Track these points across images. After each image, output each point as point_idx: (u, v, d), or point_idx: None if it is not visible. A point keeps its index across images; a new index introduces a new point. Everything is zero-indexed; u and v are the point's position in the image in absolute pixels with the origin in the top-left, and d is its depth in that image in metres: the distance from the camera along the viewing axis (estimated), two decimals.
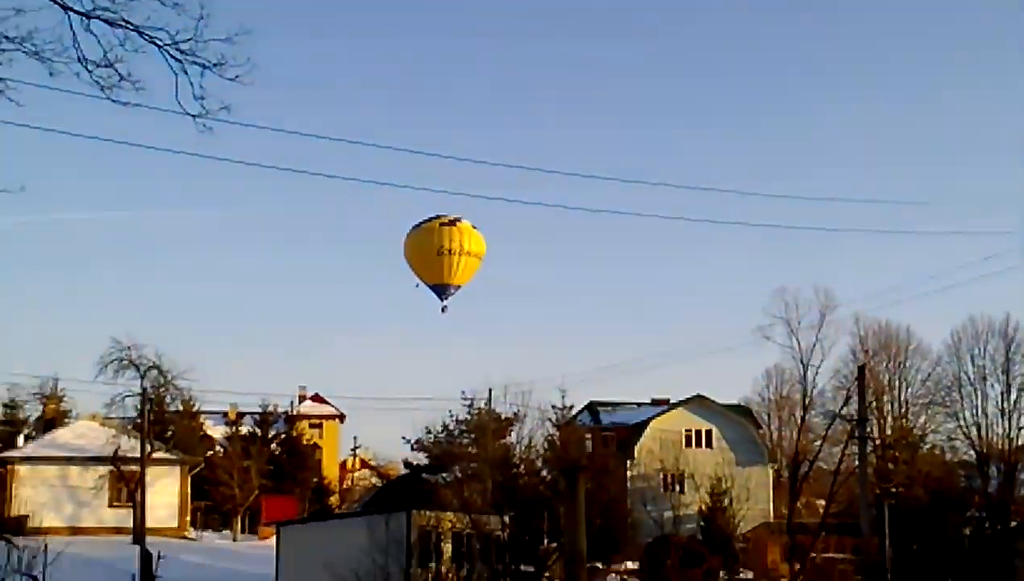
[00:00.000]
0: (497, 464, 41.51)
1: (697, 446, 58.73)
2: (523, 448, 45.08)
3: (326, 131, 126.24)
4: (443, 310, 44.25)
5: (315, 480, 72.06)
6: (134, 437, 52.26)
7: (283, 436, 72.02)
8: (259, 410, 71.38)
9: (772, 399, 63.25)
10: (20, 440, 58.83)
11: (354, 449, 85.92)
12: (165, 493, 54.00)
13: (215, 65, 10.93)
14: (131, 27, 10.57)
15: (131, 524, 50.39)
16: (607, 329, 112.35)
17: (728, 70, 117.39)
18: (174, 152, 24.20)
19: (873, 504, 45.26)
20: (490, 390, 48.68)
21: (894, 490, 53.71)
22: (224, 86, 11.18)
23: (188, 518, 57.14)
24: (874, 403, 53.23)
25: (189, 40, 10.78)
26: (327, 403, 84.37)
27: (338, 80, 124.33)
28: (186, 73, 11.00)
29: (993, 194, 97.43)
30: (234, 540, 58.92)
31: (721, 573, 46.58)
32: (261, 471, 63.10)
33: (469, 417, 51.13)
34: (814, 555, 49.02)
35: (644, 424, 59.63)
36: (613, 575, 45.55)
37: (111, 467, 52.65)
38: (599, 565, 42.52)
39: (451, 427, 52.22)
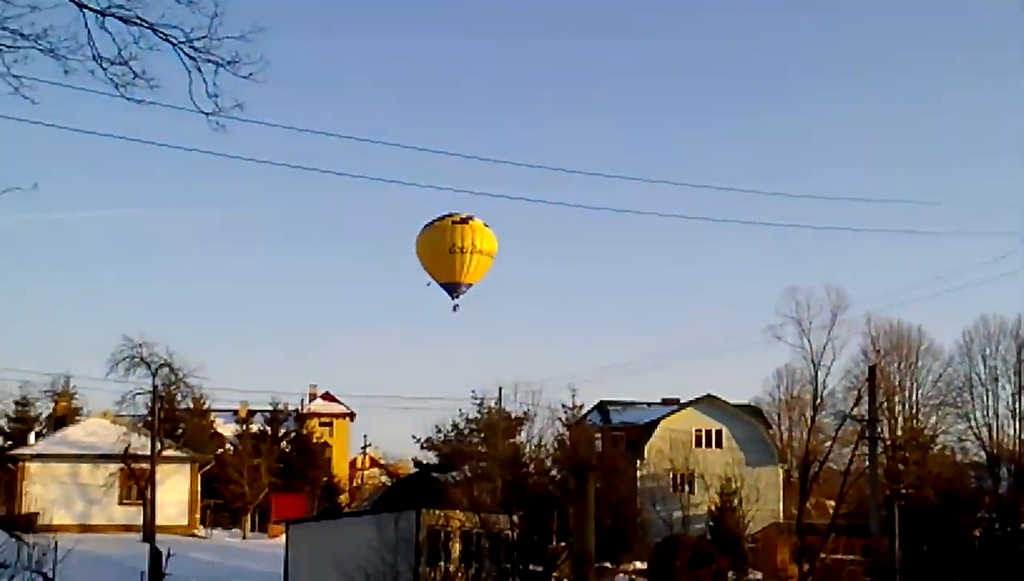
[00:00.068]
0: (507, 463, 41.48)
1: (707, 446, 58.66)
2: (533, 447, 45.03)
3: (335, 128, 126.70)
4: (455, 309, 44.29)
5: (325, 478, 72.13)
6: (145, 435, 52.40)
7: (293, 434, 72.14)
8: (269, 408, 71.57)
9: (782, 399, 63.32)
10: (31, 438, 59.00)
11: (364, 448, 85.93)
12: (175, 491, 54.17)
13: (229, 63, 10.96)
14: (146, 25, 10.60)
15: (141, 522, 50.50)
16: (618, 328, 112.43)
17: (732, 70, 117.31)
18: (186, 149, 24.27)
19: (883, 505, 45.10)
20: (500, 389, 48.72)
21: (904, 491, 53.60)
22: (236, 84, 11.22)
23: (198, 516, 57.29)
24: (885, 404, 53.15)
25: (203, 38, 10.81)
26: (337, 402, 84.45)
27: (347, 78, 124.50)
28: (200, 71, 11.02)
29: (1005, 194, 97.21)
30: (243, 538, 59.04)
31: (730, 574, 46.46)
32: (271, 469, 63.19)
33: (479, 416, 51.13)
34: (823, 556, 48.93)
35: (654, 424, 59.59)
36: (622, 575, 45.53)
37: (121, 465, 52.78)
38: (608, 565, 42.53)
39: (461, 426, 52.23)
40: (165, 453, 52.90)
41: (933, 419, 59.18)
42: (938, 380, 58.83)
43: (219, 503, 62.95)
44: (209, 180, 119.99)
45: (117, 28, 10.61)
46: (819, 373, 55.99)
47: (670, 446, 56.14)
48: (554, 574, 36.48)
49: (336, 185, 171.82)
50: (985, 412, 57.26)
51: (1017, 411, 56.48)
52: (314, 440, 73.50)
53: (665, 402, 63.47)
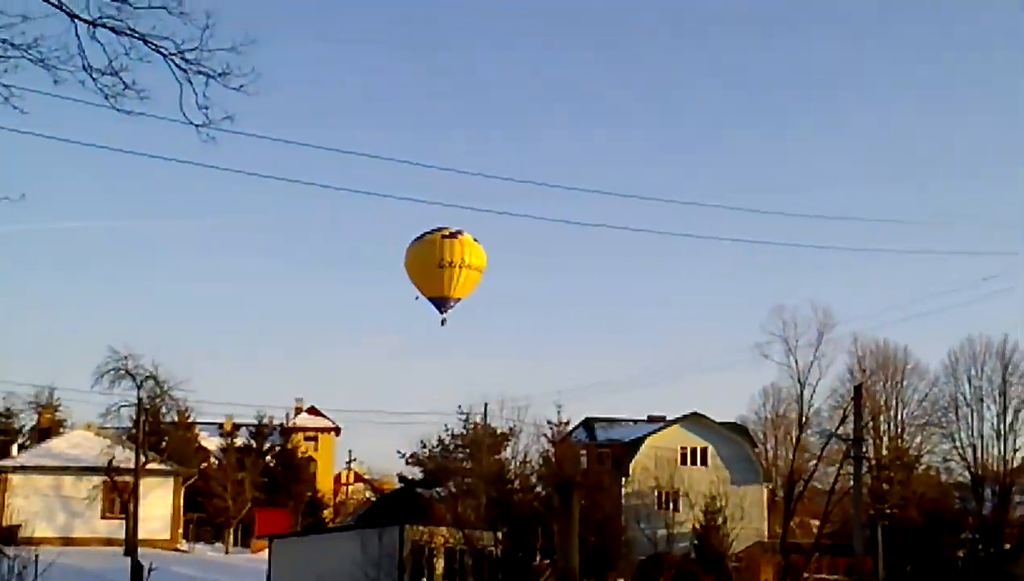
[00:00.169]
0: (492, 479, 41.39)
1: (692, 464, 58.62)
2: (518, 464, 44.99)
3: (325, 141, 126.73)
4: (442, 323, 44.20)
5: (309, 493, 71.95)
6: (128, 448, 52.19)
7: (278, 449, 71.96)
8: (254, 422, 71.36)
9: (768, 417, 63.23)
10: (14, 449, 58.68)
11: (349, 462, 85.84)
12: (158, 504, 53.90)
13: (220, 75, 10.97)
14: (137, 36, 10.61)
15: (123, 535, 50.23)
16: (603, 345, 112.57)
17: (721, 87, 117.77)
18: (177, 161, 24.17)
19: (867, 525, 45.06)
20: (486, 405, 48.57)
21: (889, 511, 53.63)
22: (227, 95, 11.21)
23: (181, 530, 56.98)
24: (870, 423, 53.24)
25: (194, 49, 10.83)
26: (323, 416, 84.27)
27: (338, 90, 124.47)
28: (191, 82, 11.03)
29: (993, 215, 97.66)
30: (226, 552, 58.76)
31: None
32: (255, 483, 62.96)
33: (464, 432, 50.98)
34: (807, 575, 48.98)
35: (640, 441, 59.56)
36: None
37: (105, 477, 52.53)
38: None
39: (446, 441, 52.07)
40: (149, 466, 52.67)
41: (918, 439, 59.30)
42: (923, 400, 58.97)
43: (202, 517, 62.67)
44: (197, 192, 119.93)
45: (108, 39, 10.63)
46: (805, 392, 56.25)
47: (655, 463, 56.07)
48: None
49: (324, 198, 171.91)
50: (970, 432, 57.41)
51: (1002, 432, 56.61)
52: (299, 455, 73.32)
53: (651, 419, 63.46)
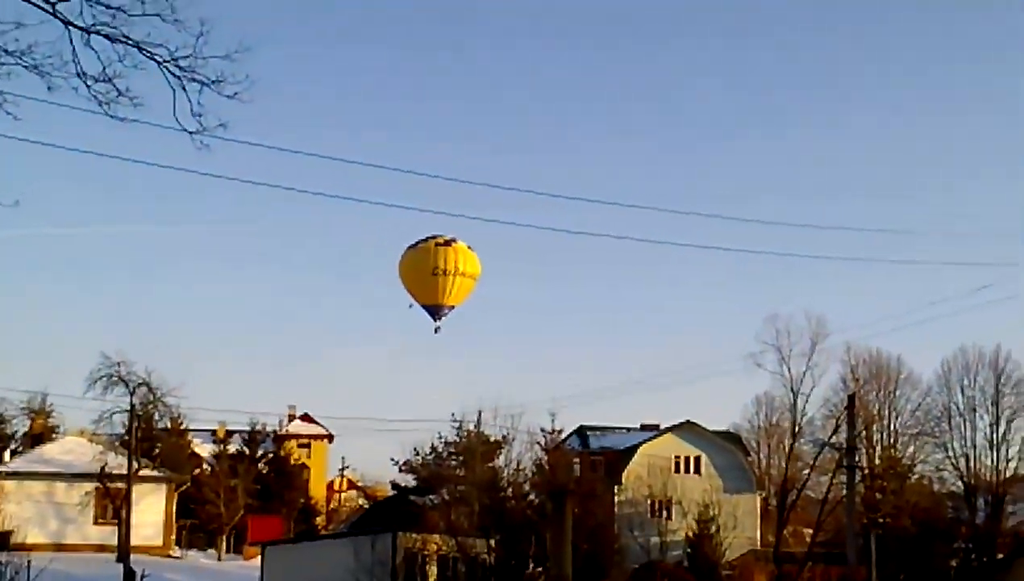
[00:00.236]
0: (485, 487, 41.40)
1: (686, 472, 58.58)
2: (511, 471, 45.04)
3: (319, 148, 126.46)
4: (436, 330, 44.21)
5: (302, 500, 71.80)
6: (121, 454, 52.14)
7: (271, 455, 71.85)
8: (247, 429, 71.25)
9: (762, 426, 63.20)
10: (7, 455, 58.52)
11: (342, 470, 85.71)
12: (151, 511, 53.83)
13: (214, 82, 10.99)
14: (131, 43, 10.63)
15: (116, 542, 50.12)
16: (597, 353, 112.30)
17: (720, 92, 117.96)
18: (173, 169, 24.20)
19: (860, 534, 45.19)
20: (479, 412, 48.60)
21: (882, 520, 53.68)
22: (220, 102, 11.24)
23: (173, 536, 56.88)
24: (863, 432, 53.24)
25: (188, 57, 10.85)
26: (316, 423, 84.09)
27: (332, 95, 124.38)
28: (185, 90, 11.06)
29: (986, 225, 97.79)
30: (219, 559, 58.66)
31: None
32: (248, 490, 62.89)
33: (458, 439, 51.06)
34: None
35: (633, 449, 59.53)
36: None
37: (97, 484, 52.44)
38: None
39: (439, 449, 52.15)
40: (141, 473, 52.61)
41: (911, 448, 59.30)
42: (916, 410, 58.99)
43: (195, 524, 62.56)
44: (191, 198, 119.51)
45: (102, 46, 10.66)
46: (798, 401, 56.22)
47: (648, 472, 56.06)
48: None
49: (318, 205, 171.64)
50: (963, 442, 57.43)
51: (995, 441, 56.65)
52: (292, 462, 73.17)
53: (644, 427, 63.44)
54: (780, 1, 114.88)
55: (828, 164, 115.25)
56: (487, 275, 45.64)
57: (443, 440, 52.04)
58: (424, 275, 43.03)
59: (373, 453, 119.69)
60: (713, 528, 51.22)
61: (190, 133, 11.41)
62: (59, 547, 49.76)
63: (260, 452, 70.83)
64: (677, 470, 58.30)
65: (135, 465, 51.31)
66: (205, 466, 67.75)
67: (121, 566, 41.84)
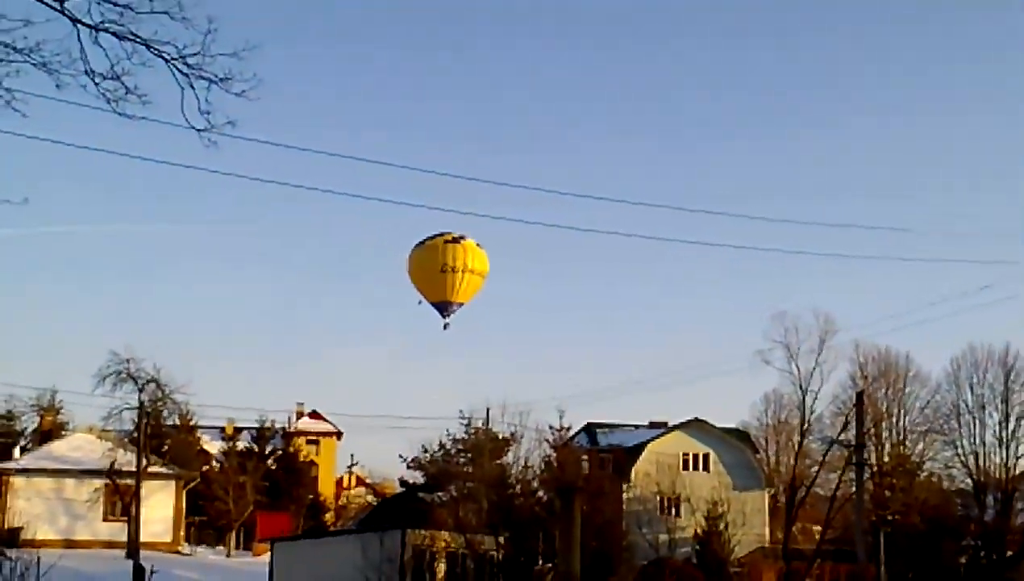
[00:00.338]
0: (493, 484, 41.42)
1: (694, 469, 58.53)
2: (519, 468, 45.02)
3: (325, 146, 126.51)
4: (445, 327, 44.18)
5: (311, 497, 71.95)
6: (130, 451, 52.21)
7: (280, 452, 71.98)
8: (256, 426, 71.37)
9: (770, 424, 63.17)
10: (16, 452, 58.71)
11: (350, 466, 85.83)
12: (160, 507, 53.93)
13: (222, 80, 10.99)
14: (139, 40, 10.62)
15: (125, 538, 50.25)
16: (606, 350, 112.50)
17: (725, 88, 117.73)
18: (182, 166, 24.16)
19: (869, 531, 45.15)
20: (488, 409, 48.57)
21: (891, 517, 53.59)
22: (228, 100, 11.23)
23: (182, 533, 57.02)
24: (872, 429, 53.17)
25: (196, 54, 10.84)
26: (324, 420, 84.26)
27: (338, 93, 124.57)
28: (192, 87, 11.05)
29: (995, 223, 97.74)
30: (228, 556, 58.78)
31: None
32: (257, 487, 62.97)
33: (466, 436, 51.01)
34: None
35: (641, 446, 59.49)
36: None
37: (106, 480, 52.56)
38: None
39: (448, 446, 52.10)
40: (150, 469, 52.69)
41: (920, 446, 59.21)
42: (925, 407, 58.91)
43: (204, 520, 62.70)
44: (198, 195, 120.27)
45: (110, 43, 10.65)
46: (807, 398, 56.19)
47: (657, 469, 56.04)
48: None
49: (325, 202, 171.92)
50: (972, 439, 57.35)
51: (1004, 439, 56.56)
52: (300, 458, 73.31)
53: (652, 425, 63.35)
54: (780, 1, 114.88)
55: (828, 164, 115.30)
56: (496, 273, 45.56)
57: (451, 437, 51.98)
58: (433, 272, 43.00)
59: (381, 450, 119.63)
60: (722, 525, 51.16)
61: (198, 131, 11.42)
62: (69, 543, 49.86)
63: (269, 449, 70.99)
64: (685, 467, 58.27)
65: (144, 462, 51.39)
66: (214, 463, 67.90)
67: (130, 562, 41.84)
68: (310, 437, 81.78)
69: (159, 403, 56.12)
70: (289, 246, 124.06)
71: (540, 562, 37.77)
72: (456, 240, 43.26)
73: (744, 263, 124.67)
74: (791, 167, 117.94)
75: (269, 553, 40.43)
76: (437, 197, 58.07)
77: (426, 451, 52.65)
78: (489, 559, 36.74)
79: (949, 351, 62.74)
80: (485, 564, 36.73)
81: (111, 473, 51.83)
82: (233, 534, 61.84)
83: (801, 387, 56.07)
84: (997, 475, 56.34)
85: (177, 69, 10.91)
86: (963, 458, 57.57)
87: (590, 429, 62.70)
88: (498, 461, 46.11)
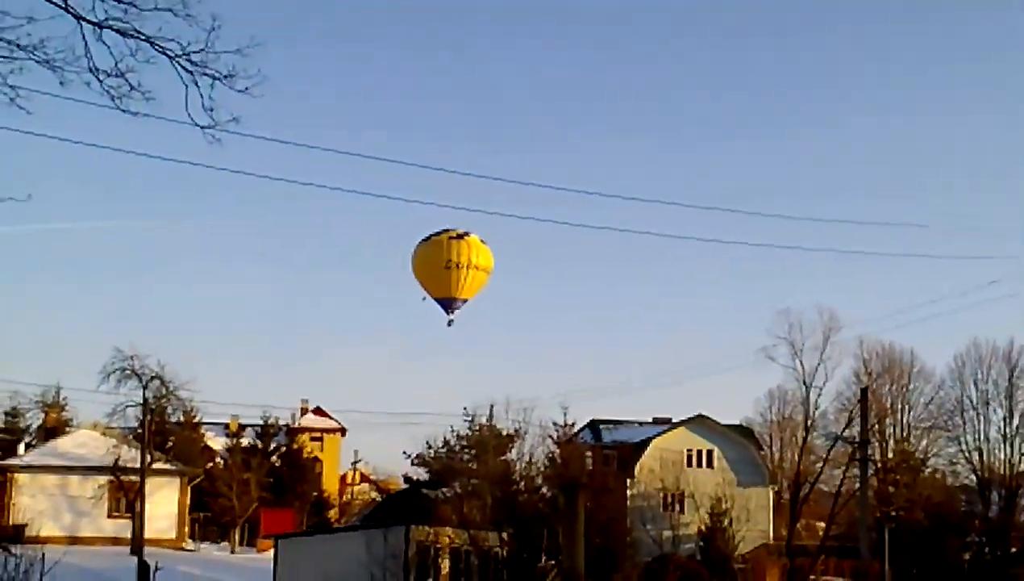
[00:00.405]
0: (497, 480, 41.43)
1: (698, 466, 58.53)
2: (523, 465, 45.05)
3: (330, 143, 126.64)
4: (449, 323, 44.23)
5: (315, 493, 71.99)
6: (135, 447, 52.27)
7: (284, 449, 71.98)
8: (260, 422, 71.42)
9: (774, 420, 63.16)
10: (21, 448, 58.78)
11: (354, 463, 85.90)
12: (164, 504, 53.97)
13: (226, 77, 10.96)
14: (143, 37, 10.60)
15: (130, 534, 50.30)
16: (610, 347, 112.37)
17: (728, 88, 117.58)
18: (190, 164, 24.16)
19: (873, 527, 45.12)
20: (491, 406, 48.57)
21: (895, 513, 53.61)
22: (231, 97, 11.22)
23: (187, 529, 57.07)
24: (876, 426, 53.18)
25: (200, 51, 10.81)
26: (328, 416, 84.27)
27: (342, 93, 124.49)
28: (196, 84, 11.04)
29: (998, 219, 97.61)
30: (232, 552, 58.83)
31: None
32: (261, 483, 63.04)
33: (470, 433, 51.01)
34: (813, 577, 48.94)
35: (645, 443, 59.51)
36: None
37: (111, 477, 52.62)
38: None
39: (452, 442, 52.11)
40: (155, 466, 52.74)
41: (924, 442, 59.21)
42: (929, 403, 58.93)
43: (208, 517, 62.77)
44: (200, 193, 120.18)
45: (114, 40, 10.62)
46: (811, 394, 56.07)
47: (661, 465, 56.03)
48: None
49: (329, 200, 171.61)
50: (976, 436, 57.38)
51: (1008, 435, 56.56)
52: (304, 455, 73.33)
53: (656, 421, 63.35)
54: (780, 1, 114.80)
55: (828, 164, 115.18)
56: (500, 270, 45.67)
57: (455, 434, 52.02)
58: (437, 268, 43.04)
59: (385, 447, 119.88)
60: (726, 522, 51.19)
61: (202, 128, 11.41)
62: (73, 540, 49.89)
63: (273, 445, 71.00)
64: (689, 464, 58.26)
65: (148, 458, 51.42)
66: (218, 459, 67.96)
67: (135, 559, 41.90)
68: (314, 434, 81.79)
69: (163, 400, 56.19)
70: (291, 244, 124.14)
71: (544, 558, 37.80)
72: (461, 236, 43.30)
73: (745, 262, 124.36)
74: (791, 167, 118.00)
75: (273, 549, 40.40)
76: (437, 197, 57.90)
77: (430, 447, 52.69)
78: (493, 555, 36.77)
79: (953, 347, 62.73)
80: (489, 560, 36.76)
81: (115, 470, 51.88)
82: (237, 530, 61.92)
83: (805, 383, 56.02)
84: (1001, 471, 56.35)
85: (181, 66, 10.88)
86: (967, 454, 57.62)
87: (594, 425, 62.72)
88: (502, 457, 46.13)
